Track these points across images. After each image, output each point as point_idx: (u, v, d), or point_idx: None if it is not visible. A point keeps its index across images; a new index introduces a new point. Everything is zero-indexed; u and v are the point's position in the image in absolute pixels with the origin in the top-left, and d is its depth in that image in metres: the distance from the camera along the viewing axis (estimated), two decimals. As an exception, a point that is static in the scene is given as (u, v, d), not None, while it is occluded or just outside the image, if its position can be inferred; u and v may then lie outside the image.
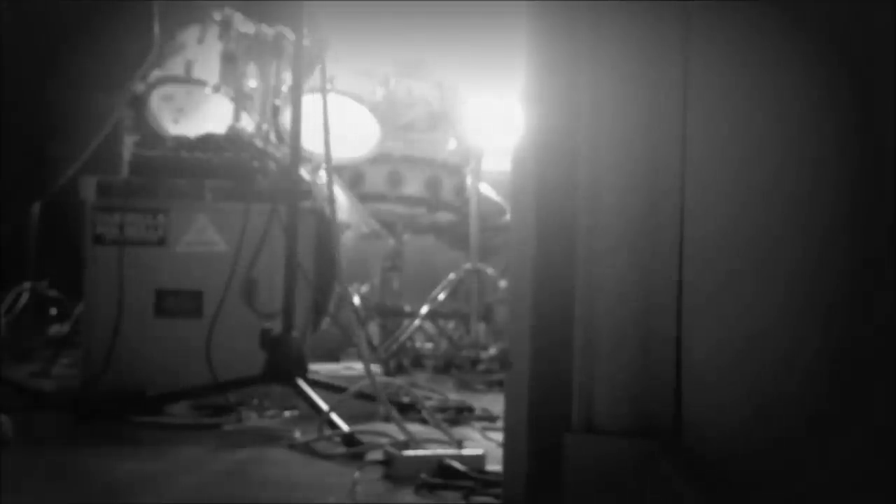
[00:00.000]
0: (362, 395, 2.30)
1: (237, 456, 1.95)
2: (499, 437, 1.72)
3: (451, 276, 4.10)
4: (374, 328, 3.80)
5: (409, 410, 2.43)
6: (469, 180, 4.21)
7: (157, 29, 1.78)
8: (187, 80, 3.54)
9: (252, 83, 3.44)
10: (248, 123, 3.38)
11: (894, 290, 0.95)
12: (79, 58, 1.68)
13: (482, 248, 4.22)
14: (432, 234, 4.50)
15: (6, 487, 1.57)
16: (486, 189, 4.42)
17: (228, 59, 3.39)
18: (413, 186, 4.13)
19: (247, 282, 2.70)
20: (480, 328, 4.07)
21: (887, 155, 0.97)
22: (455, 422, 2.40)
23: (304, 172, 3.17)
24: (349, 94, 3.74)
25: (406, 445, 1.86)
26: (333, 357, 3.23)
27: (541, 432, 1.41)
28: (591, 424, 1.35)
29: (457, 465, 1.69)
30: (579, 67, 1.41)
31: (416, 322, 3.95)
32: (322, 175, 3.58)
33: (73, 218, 2.89)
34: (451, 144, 4.26)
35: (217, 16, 3.38)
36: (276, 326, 2.34)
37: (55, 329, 3.77)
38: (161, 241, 2.71)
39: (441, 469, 1.69)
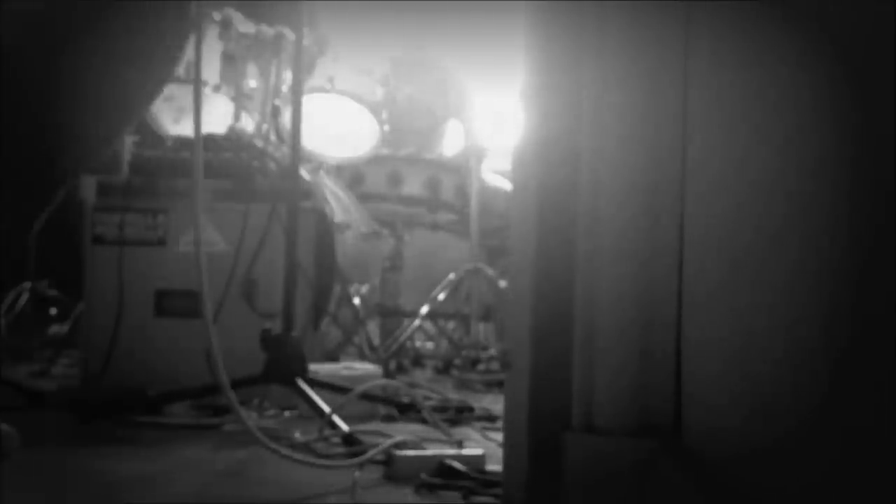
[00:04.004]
0: (366, 397, 2.30)
1: (237, 456, 1.95)
2: (499, 437, 1.72)
3: (451, 276, 4.11)
4: (374, 328, 3.81)
5: (409, 410, 2.44)
6: (470, 179, 4.21)
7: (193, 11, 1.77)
8: (187, 80, 3.54)
9: (252, 83, 3.44)
10: (248, 123, 3.38)
11: (892, 290, 0.95)
12: (119, 35, 1.66)
13: (499, 247, 4.23)
14: (443, 229, 4.49)
15: (6, 487, 1.57)
16: (504, 183, 4.40)
17: (228, 59, 3.39)
18: (413, 186, 4.13)
19: (247, 282, 2.70)
20: (480, 328, 4.07)
21: (886, 155, 0.97)
22: (455, 422, 2.41)
23: (304, 172, 3.18)
24: (349, 94, 3.74)
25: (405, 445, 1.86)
26: (333, 357, 3.23)
27: (541, 432, 1.41)
28: (591, 424, 1.35)
29: (457, 465, 1.69)
30: (580, 66, 1.41)
31: (416, 322, 3.95)
32: (322, 175, 3.59)
33: (73, 218, 2.90)
34: (454, 144, 4.26)
35: (217, 16, 3.38)
36: (276, 326, 2.34)
37: (55, 329, 3.78)
38: (161, 241, 2.71)
39: (441, 469, 1.69)
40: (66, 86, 1.60)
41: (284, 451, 1.70)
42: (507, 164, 3.70)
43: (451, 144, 4.37)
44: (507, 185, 4.41)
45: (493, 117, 4.18)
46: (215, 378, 1.71)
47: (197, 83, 1.75)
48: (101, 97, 1.68)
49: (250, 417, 2.36)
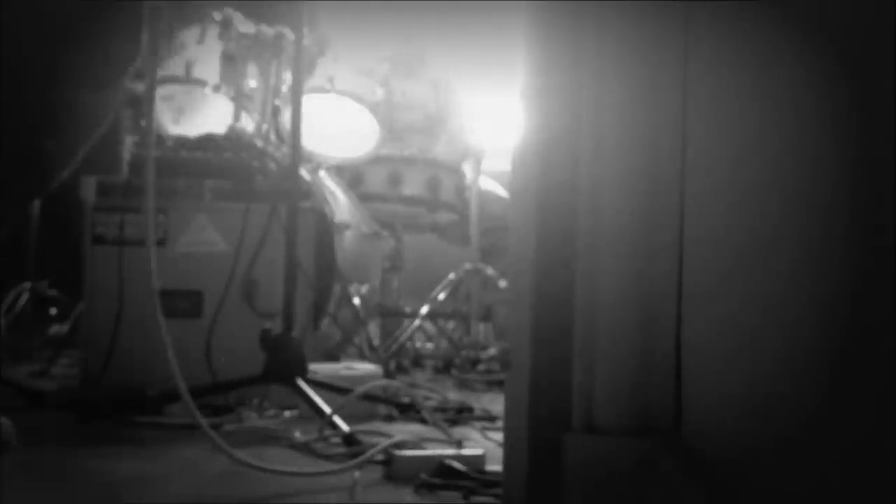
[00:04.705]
0: (366, 397, 2.30)
1: (237, 456, 1.95)
2: (499, 437, 1.72)
3: (451, 276, 4.11)
4: (374, 328, 3.81)
5: (409, 410, 2.44)
6: (469, 180, 4.21)
7: (146, 31, 1.79)
8: (187, 80, 3.54)
9: (252, 83, 3.44)
10: (248, 123, 3.38)
11: (892, 288, 0.95)
12: (69, 56, 1.68)
13: (491, 248, 4.23)
14: (435, 233, 4.50)
15: (6, 487, 1.57)
16: (496, 187, 4.42)
17: (228, 59, 3.39)
18: (413, 186, 4.13)
19: (247, 282, 2.70)
20: (480, 328, 4.07)
21: (886, 155, 0.97)
22: (455, 422, 2.41)
23: (304, 172, 3.18)
24: (349, 94, 3.74)
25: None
26: (333, 357, 3.23)
27: (541, 432, 1.41)
28: (591, 424, 1.35)
29: (457, 465, 1.69)
30: (580, 66, 1.41)
31: (416, 322, 3.95)
32: (322, 175, 3.59)
33: (73, 218, 2.90)
34: (449, 145, 4.26)
35: (217, 16, 3.38)
36: (276, 326, 2.34)
37: (55, 329, 3.77)
38: (161, 241, 2.71)
39: (441, 469, 1.69)
40: (22, 110, 1.62)
41: (259, 464, 1.69)
42: (505, 165, 3.70)
43: (446, 143, 4.38)
44: (498, 189, 4.43)
45: (492, 118, 4.18)
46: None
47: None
48: (56, 119, 1.69)
49: (249, 418, 2.37)
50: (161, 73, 3.59)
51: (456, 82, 4.34)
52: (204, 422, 1.70)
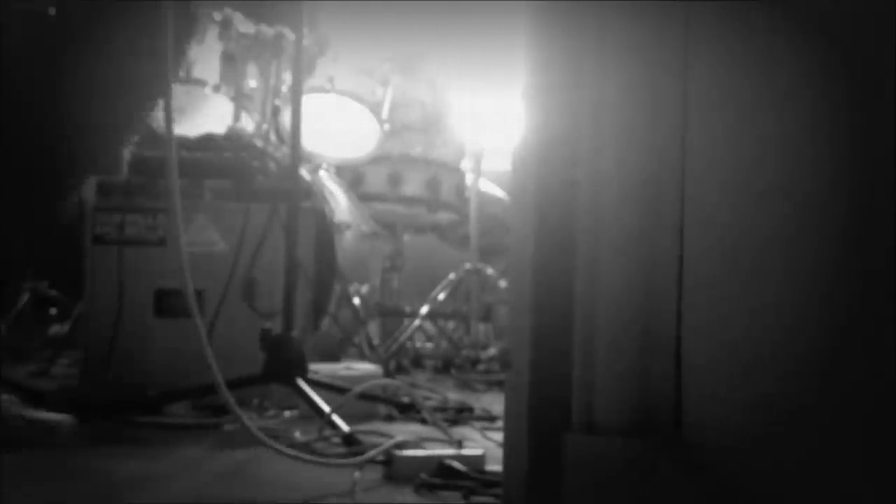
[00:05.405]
0: (366, 397, 2.30)
1: (237, 456, 1.95)
2: (499, 437, 1.72)
3: (451, 276, 4.11)
4: (374, 328, 3.81)
5: (409, 410, 2.44)
6: (469, 180, 4.22)
7: (167, 31, 1.78)
8: (187, 80, 3.54)
9: (252, 83, 3.44)
10: (248, 123, 3.38)
11: (891, 289, 0.95)
12: (123, 27, 1.68)
13: (489, 248, 4.23)
14: (435, 233, 4.50)
15: (7, 487, 1.57)
16: (494, 188, 4.42)
17: (228, 59, 3.39)
18: (413, 186, 4.13)
19: (247, 282, 2.70)
20: (480, 328, 4.07)
21: (886, 157, 0.97)
22: (455, 422, 2.41)
23: (304, 172, 3.18)
24: (349, 94, 3.74)
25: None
26: (333, 357, 3.23)
27: (541, 432, 1.41)
28: (591, 424, 1.35)
29: (457, 465, 1.69)
30: (581, 67, 1.41)
31: (416, 322, 3.96)
32: (322, 175, 3.59)
33: (73, 218, 2.89)
34: (444, 146, 4.26)
35: (217, 16, 3.39)
36: (276, 326, 2.34)
37: (55, 329, 3.77)
38: (161, 241, 2.71)
39: (441, 469, 1.69)
40: (74, 84, 1.61)
41: (286, 449, 1.70)
42: (505, 165, 3.70)
43: (441, 144, 4.38)
44: (495, 190, 4.43)
45: (492, 118, 4.18)
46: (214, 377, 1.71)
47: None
48: (108, 93, 1.69)
49: (250, 418, 2.36)
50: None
51: (455, 83, 4.34)
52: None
